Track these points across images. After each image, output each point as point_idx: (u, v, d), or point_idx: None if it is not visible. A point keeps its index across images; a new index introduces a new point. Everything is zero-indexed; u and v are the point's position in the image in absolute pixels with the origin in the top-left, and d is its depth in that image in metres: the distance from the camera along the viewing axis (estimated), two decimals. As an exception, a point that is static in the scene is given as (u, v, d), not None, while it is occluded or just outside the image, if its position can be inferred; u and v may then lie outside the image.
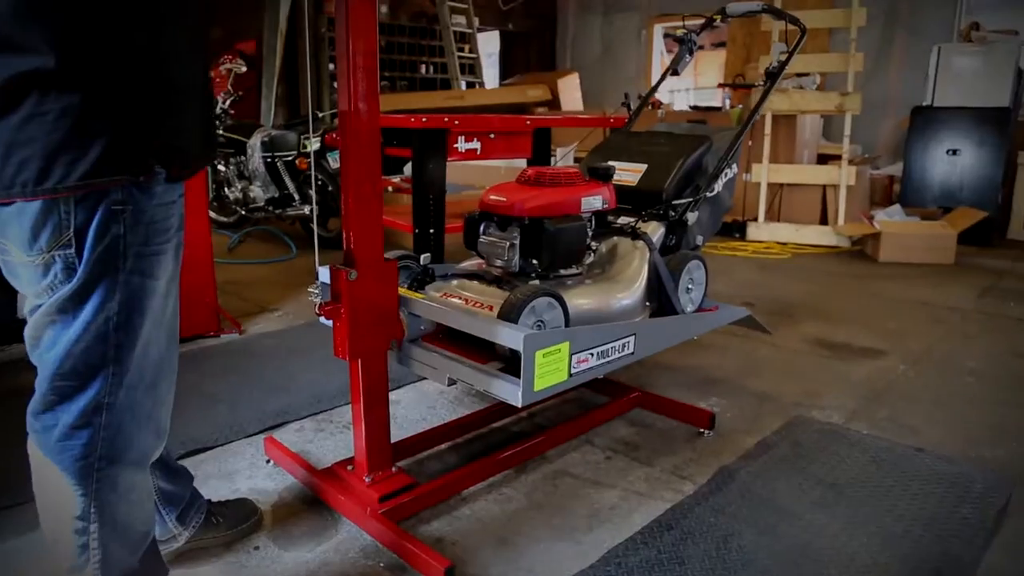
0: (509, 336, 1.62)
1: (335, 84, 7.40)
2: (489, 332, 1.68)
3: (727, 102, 6.23)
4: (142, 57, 1.03)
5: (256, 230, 5.45)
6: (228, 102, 5.63)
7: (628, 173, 2.40)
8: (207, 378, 2.59)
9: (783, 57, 2.66)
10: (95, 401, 1.10)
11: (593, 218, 2.10)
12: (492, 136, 3.19)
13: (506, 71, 10.11)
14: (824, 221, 5.64)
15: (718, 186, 2.42)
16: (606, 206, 2.12)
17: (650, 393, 2.40)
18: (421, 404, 2.46)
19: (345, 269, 1.65)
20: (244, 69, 5.85)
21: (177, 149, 1.13)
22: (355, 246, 1.65)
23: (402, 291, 1.86)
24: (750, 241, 5.59)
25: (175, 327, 1.27)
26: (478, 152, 3.16)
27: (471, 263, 2.18)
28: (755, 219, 5.70)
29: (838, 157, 5.90)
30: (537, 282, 1.93)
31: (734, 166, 2.49)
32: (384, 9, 7.94)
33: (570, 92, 8.09)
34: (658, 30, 9.20)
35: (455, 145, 3.08)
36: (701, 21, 3.01)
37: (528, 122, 3.33)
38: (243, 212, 5.30)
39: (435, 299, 1.88)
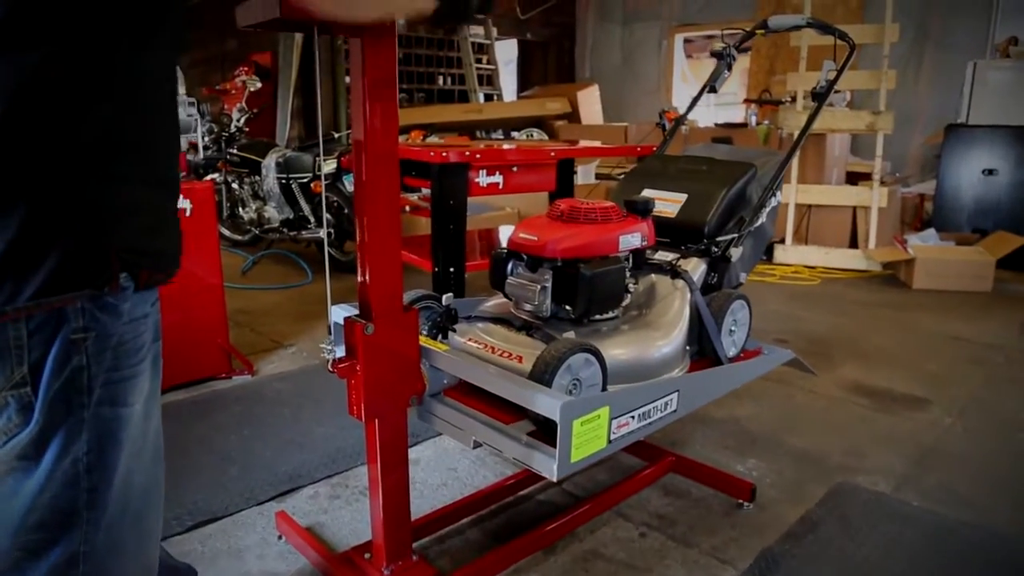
0: (544, 403, 1.48)
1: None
2: (521, 397, 1.53)
3: (753, 118, 6.06)
4: (96, 146, 0.87)
5: (270, 253, 5.34)
6: (243, 120, 5.53)
7: (666, 203, 2.22)
8: (218, 432, 2.47)
9: (831, 76, 2.50)
10: (69, 553, 0.93)
11: (631, 256, 1.95)
12: (515, 169, 3.06)
13: (524, 80, 9.97)
14: (854, 243, 5.46)
15: (762, 217, 2.27)
16: (645, 243, 1.94)
17: (685, 458, 2.25)
18: (441, 465, 2.33)
19: (361, 322, 1.51)
20: (259, 85, 5.76)
21: (147, 252, 0.97)
22: (372, 296, 1.51)
23: (424, 341, 1.72)
24: (777, 264, 5.43)
25: (160, 445, 1.10)
26: (500, 187, 3.03)
27: (496, 301, 2.03)
28: (782, 241, 5.53)
29: (867, 175, 5.72)
30: (571, 333, 1.76)
31: (778, 194, 2.34)
32: (401, 20, 7.80)
33: (590, 105, 7.94)
34: (679, 40, 9.03)
35: (476, 180, 2.96)
36: (740, 34, 2.85)
37: (552, 153, 3.19)
38: (257, 232, 5.20)
39: (460, 352, 1.73)
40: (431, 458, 2.37)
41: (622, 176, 6.29)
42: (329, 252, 4.98)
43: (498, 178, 3.00)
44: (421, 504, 2.06)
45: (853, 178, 6.09)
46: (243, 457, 2.30)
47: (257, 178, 5.07)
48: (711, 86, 2.75)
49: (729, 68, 2.73)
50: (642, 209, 1.94)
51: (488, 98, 7.99)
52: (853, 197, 5.41)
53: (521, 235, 1.83)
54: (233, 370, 3.01)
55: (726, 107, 8.75)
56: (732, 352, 2.07)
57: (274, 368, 3.13)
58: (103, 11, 0.85)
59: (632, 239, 1.89)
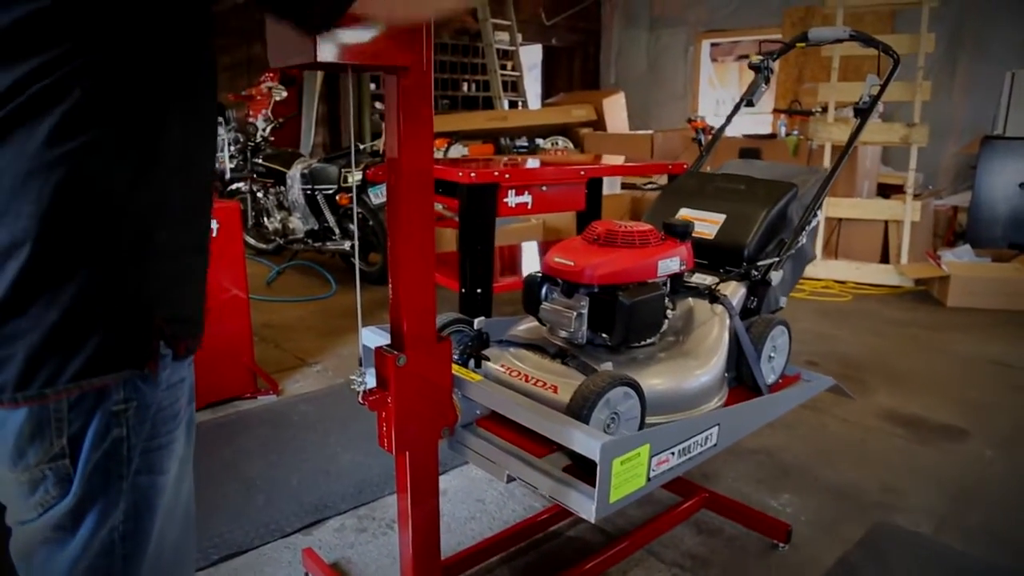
0: (583, 442, 1.43)
1: (376, 104, 7.29)
2: (560, 435, 1.48)
3: (783, 129, 5.97)
4: (139, 221, 0.85)
5: (294, 264, 5.34)
6: (268, 129, 5.54)
7: (704, 224, 2.15)
8: (243, 457, 2.45)
9: (875, 91, 2.43)
10: None
11: (669, 281, 1.90)
12: (544, 189, 3.02)
13: (548, 85, 9.92)
14: (885, 258, 5.36)
15: (802, 238, 2.21)
16: (683, 268, 1.87)
17: (719, 495, 2.19)
18: (470, 496, 2.29)
19: (393, 353, 1.47)
20: (284, 95, 5.76)
21: (185, 320, 0.95)
22: (406, 327, 1.47)
23: (456, 370, 1.67)
24: (806, 279, 5.33)
25: (191, 505, 1.08)
26: (529, 206, 2.99)
27: (529, 325, 1.98)
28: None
29: (899, 187, 5.61)
30: (609, 364, 1.71)
31: (819, 213, 2.27)
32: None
33: (616, 112, 7.87)
34: (705, 46, 8.93)
35: (505, 200, 2.92)
36: (778, 46, 2.78)
37: (582, 172, 3.15)
38: (281, 242, 5.20)
39: (493, 383, 1.68)
40: (459, 488, 2.33)
41: (649, 186, 6.22)
42: (355, 262, 4.96)
43: (527, 198, 2.96)
44: (449, 539, 2.02)
45: (884, 189, 5.98)
46: (269, 486, 2.28)
47: (282, 188, 5.07)
48: (748, 100, 2.69)
49: (767, 82, 2.66)
50: (681, 232, 1.87)
51: (513, 105, 7.94)
52: (885, 211, 5.30)
53: (556, 259, 1.77)
54: (258, 390, 2.99)
55: (754, 116, 8.64)
56: (771, 379, 2.01)
57: (299, 387, 3.11)
58: (153, 81, 0.84)
59: (671, 263, 1.82)
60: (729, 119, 2.84)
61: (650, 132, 7.63)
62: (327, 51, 1.11)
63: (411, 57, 1.27)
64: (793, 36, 2.87)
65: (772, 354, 2.00)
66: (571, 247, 1.81)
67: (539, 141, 7.57)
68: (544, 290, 1.83)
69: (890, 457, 2.61)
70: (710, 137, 5.91)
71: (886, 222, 5.36)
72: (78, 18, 0.77)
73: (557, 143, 7.07)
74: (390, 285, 1.48)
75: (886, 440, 2.75)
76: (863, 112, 2.37)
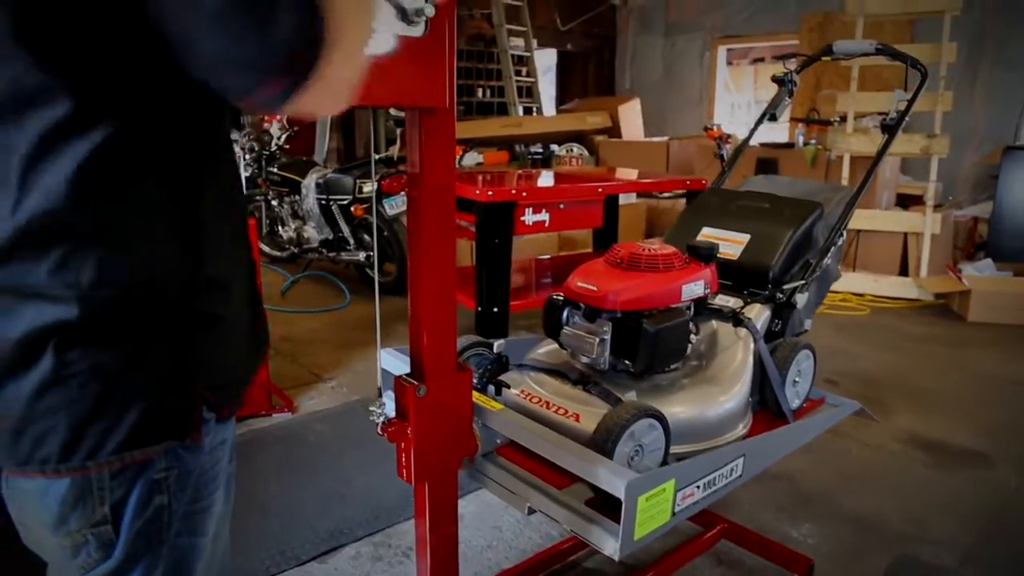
0: (608, 480, 1.40)
1: (391, 111, 7.27)
2: (583, 471, 1.45)
3: (800, 139, 5.91)
4: (179, 291, 0.83)
5: (309, 274, 5.34)
6: (283, 137, 5.54)
7: (728, 244, 2.10)
8: (259, 480, 2.44)
9: (902, 106, 2.38)
10: None
11: (693, 304, 1.86)
12: (561, 206, 2.99)
13: (563, 90, 9.89)
14: (904, 270, 5.29)
15: (828, 259, 2.17)
16: (708, 291, 1.82)
17: (739, 526, 2.16)
18: (486, 523, 2.27)
19: (413, 384, 1.45)
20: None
21: (229, 383, 0.94)
22: (426, 357, 1.44)
23: (477, 398, 1.65)
24: (823, 290, 5.27)
25: (227, 559, 1.08)
26: (546, 224, 2.97)
27: (548, 348, 1.95)
28: (829, 266, 5.37)
29: (918, 197, 5.55)
30: (633, 393, 1.67)
31: (844, 233, 2.23)
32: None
33: (631, 119, 7.83)
34: (722, 52, 8.87)
35: (522, 218, 2.89)
36: (801, 59, 2.73)
37: (600, 190, 3.12)
38: (296, 251, 5.20)
39: (514, 413, 1.65)
40: (475, 514, 2.31)
41: (665, 195, 6.16)
42: (369, 273, 4.95)
43: (544, 216, 2.94)
44: (465, 568, 1.99)
45: (903, 199, 5.91)
46: (284, 510, 2.26)
47: (297, 197, 5.07)
48: (771, 114, 2.65)
49: (790, 95, 2.62)
50: (706, 255, 1.82)
51: (527, 110, 7.92)
52: (905, 223, 5.24)
53: (579, 284, 1.73)
54: (273, 407, 2.98)
55: (770, 125, 8.56)
56: (796, 403, 1.98)
57: (314, 404, 3.10)
58: (184, 158, 0.83)
59: (695, 287, 1.78)
60: (752, 133, 2.79)
61: (665, 139, 7.59)
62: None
63: (436, 98, 1.25)
64: (817, 49, 2.83)
65: (797, 378, 1.97)
66: (593, 271, 1.77)
67: (554, 147, 7.54)
68: (565, 314, 1.80)
69: (912, 484, 2.57)
70: (728, 145, 5.88)
71: (905, 234, 5.30)
72: (107, 111, 0.75)
73: (572, 150, 7.04)
74: (410, 313, 1.46)
75: (907, 466, 2.70)
76: (890, 128, 2.32)
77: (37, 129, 0.73)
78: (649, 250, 1.78)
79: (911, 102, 2.36)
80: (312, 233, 4.98)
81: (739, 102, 11.36)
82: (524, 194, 2.83)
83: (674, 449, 1.64)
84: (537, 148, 7.63)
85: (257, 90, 0.71)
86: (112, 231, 0.77)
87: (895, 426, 3.03)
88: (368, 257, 4.73)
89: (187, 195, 0.83)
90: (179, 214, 0.82)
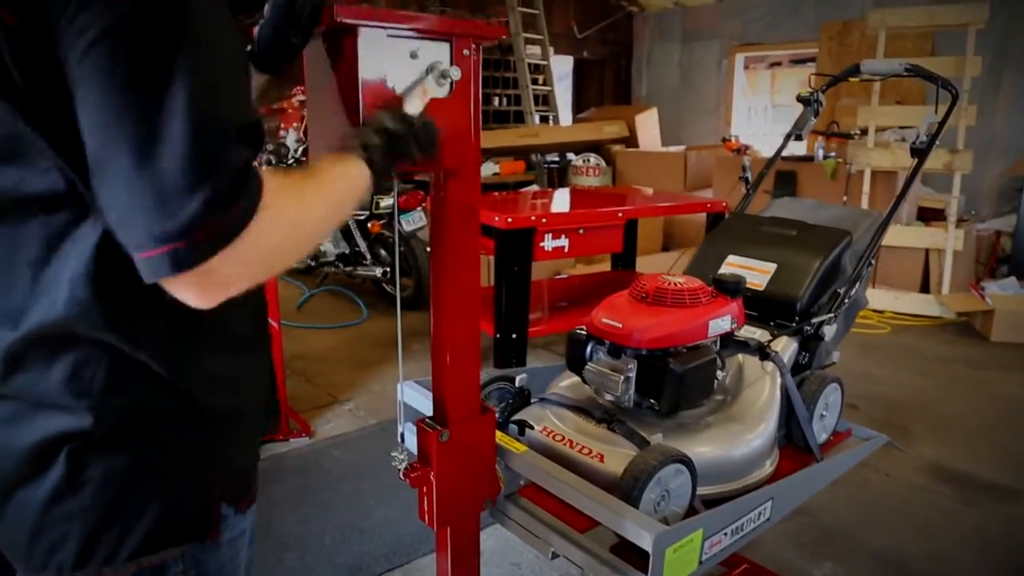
0: (634, 532, 1.38)
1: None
2: (609, 520, 1.44)
3: (820, 152, 5.84)
4: (197, 385, 0.82)
5: (325, 289, 5.35)
6: (300, 150, 5.54)
7: (754, 273, 2.07)
8: (276, 510, 2.43)
9: (932, 130, 2.34)
10: None
11: (719, 339, 1.81)
12: (581, 232, 2.97)
13: (579, 97, 9.85)
14: (926, 287, 5.22)
15: (857, 290, 2.13)
16: (735, 326, 1.80)
17: (761, 567, 2.13)
18: (504, 559, 2.25)
19: (436, 429, 1.44)
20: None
21: (246, 472, 0.93)
22: (449, 402, 1.43)
23: (500, 439, 1.63)
24: (843, 306, 5.21)
25: None
26: (566, 250, 2.94)
27: (570, 382, 1.92)
28: (849, 282, 5.31)
29: (940, 211, 5.47)
30: (659, 435, 1.64)
31: (872, 262, 2.19)
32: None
33: (648, 128, 7.78)
34: (739, 60, 8.81)
35: (541, 244, 2.87)
36: (827, 79, 2.69)
37: (620, 215, 3.09)
38: (312, 264, 5.20)
39: (538, 456, 1.63)
40: (493, 550, 2.29)
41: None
42: (386, 288, 4.95)
43: (564, 241, 2.91)
44: (483, 608, 1.98)
45: (924, 212, 5.84)
46: (300, 544, 2.26)
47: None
48: (796, 133, 2.62)
49: (816, 114, 2.59)
50: (732, 289, 1.79)
51: (543, 119, 7.89)
52: (926, 239, 5.16)
53: (603, 320, 1.71)
54: (291, 432, 2.98)
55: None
56: (823, 437, 1.95)
57: (331, 428, 3.09)
58: None
59: (722, 323, 1.75)
60: (777, 155, 2.76)
61: (682, 149, 7.54)
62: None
63: (461, 159, 1.24)
64: (836, 58, 2.79)
65: (824, 412, 1.94)
66: (618, 306, 1.74)
67: (570, 156, 7.51)
68: (589, 349, 1.78)
69: (936, 519, 2.52)
70: (745, 157, 5.82)
71: (927, 250, 5.23)
72: None
73: (589, 160, 7.00)
74: (433, 358, 1.44)
75: (931, 500, 2.66)
76: (921, 152, 2.29)
77: (45, 232, 0.72)
78: (675, 284, 1.74)
79: (941, 124, 2.32)
80: (328, 247, 4.98)
81: (756, 106, 11.27)
82: (544, 220, 2.81)
83: (701, 491, 1.61)
84: (553, 157, 7.60)
85: (145, 249, 0.66)
86: (122, 334, 0.75)
87: (918, 455, 2.99)
88: (385, 273, 4.72)
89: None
90: (191, 319, 0.79)
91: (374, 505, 2.47)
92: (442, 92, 1.16)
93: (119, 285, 0.73)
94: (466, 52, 1.18)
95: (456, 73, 1.15)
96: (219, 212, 0.65)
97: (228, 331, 0.86)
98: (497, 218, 2.79)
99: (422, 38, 1.14)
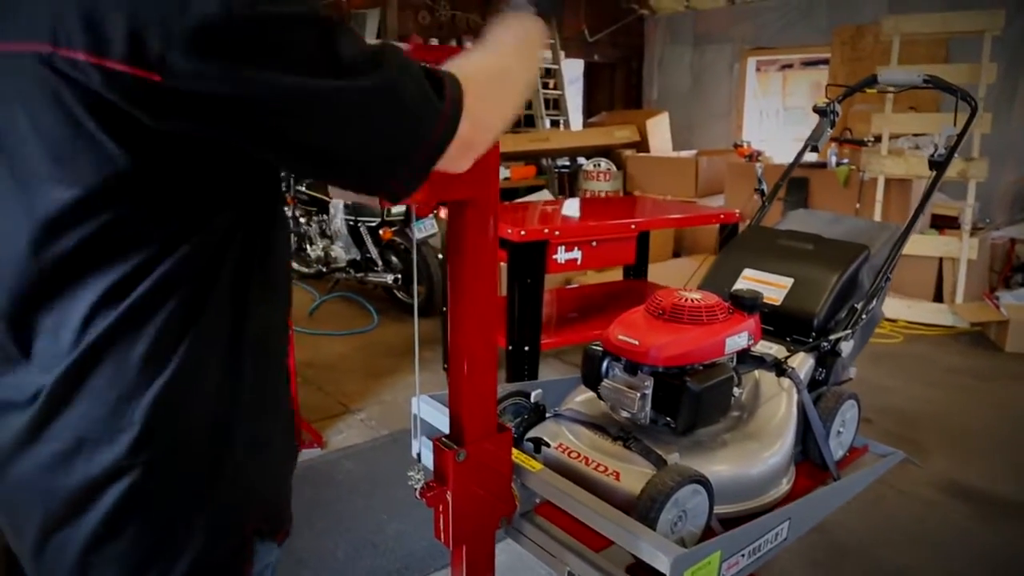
0: (651, 554, 1.37)
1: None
2: (626, 541, 1.43)
3: (833, 159, 5.81)
4: (229, 427, 0.82)
5: (337, 295, 5.36)
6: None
7: (771, 288, 2.06)
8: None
9: (951, 142, 2.32)
10: None
11: (735, 356, 1.79)
12: (594, 244, 2.96)
13: (590, 100, 9.84)
14: (939, 296, 5.19)
15: (874, 305, 2.12)
16: (751, 343, 1.78)
17: (776, 588, 2.13)
18: (518, 575, 2.24)
19: (452, 448, 1.44)
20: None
21: (280, 507, 0.93)
22: (466, 421, 1.43)
23: (516, 457, 1.63)
24: (855, 315, 5.18)
25: None
26: (579, 262, 2.94)
27: (585, 397, 1.91)
28: (861, 290, 5.28)
29: (953, 218, 5.43)
30: (676, 455, 1.62)
31: (891, 276, 2.18)
32: (469, 46, 7.76)
33: (659, 133, 7.76)
34: (751, 64, 8.77)
35: (554, 256, 2.87)
36: (843, 89, 2.68)
37: (633, 227, 3.08)
38: (324, 270, 5.22)
39: (555, 475, 1.63)
40: (506, 565, 2.26)
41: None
42: (397, 295, 4.96)
43: (577, 254, 2.91)
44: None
45: (937, 219, 5.80)
46: (315, 560, 2.26)
47: (325, 217, 5.08)
48: (813, 144, 2.60)
49: (832, 125, 2.58)
50: (749, 305, 1.78)
51: (554, 123, 7.88)
52: (940, 247, 5.13)
53: (620, 337, 1.69)
54: (303, 442, 2.98)
55: (801, 143, 8.44)
56: (839, 454, 1.94)
57: (343, 439, 3.09)
58: (238, 273, 0.81)
59: (739, 340, 1.74)
60: (793, 165, 2.74)
61: (694, 153, 7.51)
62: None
63: (480, 189, 1.23)
64: (861, 80, 2.77)
65: (841, 429, 1.93)
66: (634, 323, 1.73)
67: (581, 161, 7.50)
68: (605, 365, 1.77)
69: (951, 538, 2.50)
70: (758, 164, 5.79)
71: (940, 258, 5.20)
72: (159, 219, 0.74)
73: (600, 165, 6.99)
74: (450, 374, 1.44)
75: (947, 518, 2.64)
76: (939, 166, 2.27)
77: (106, 274, 0.73)
78: (692, 301, 1.73)
79: (960, 137, 2.30)
80: (340, 253, 4.99)
81: (767, 109, 11.23)
82: (557, 232, 2.80)
83: (718, 510, 1.61)
84: (564, 162, 7.60)
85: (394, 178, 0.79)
86: (166, 368, 0.76)
87: (933, 471, 2.96)
88: (396, 279, 4.73)
89: (239, 321, 0.82)
90: (230, 343, 0.81)
91: (387, 519, 2.47)
92: None
93: (161, 322, 0.75)
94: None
95: None
96: (439, 115, 0.79)
97: (268, 357, 0.87)
98: (510, 230, 2.78)
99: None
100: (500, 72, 0.94)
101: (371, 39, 6.21)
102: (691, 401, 1.63)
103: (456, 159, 0.84)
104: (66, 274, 0.73)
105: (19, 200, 0.72)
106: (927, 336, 4.82)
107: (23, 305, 0.75)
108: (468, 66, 0.88)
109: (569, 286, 3.99)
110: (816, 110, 2.62)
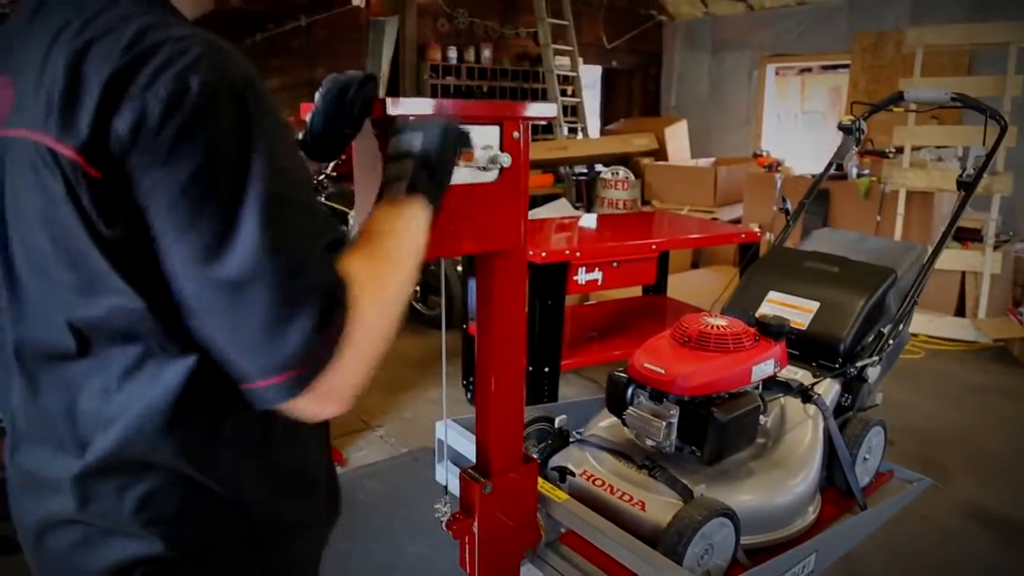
0: None
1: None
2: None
3: (854, 170, 5.76)
4: (268, 501, 0.83)
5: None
6: (331, 166, 5.57)
7: (796, 312, 2.05)
8: (311, 544, 2.46)
9: (978, 163, 2.30)
10: None
11: (761, 383, 1.79)
12: (615, 264, 2.96)
13: (607, 106, 9.82)
14: (961, 310, 5.14)
15: (901, 329, 2.10)
16: (777, 369, 1.79)
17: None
18: (538, 601, 2.25)
19: (480, 481, 1.45)
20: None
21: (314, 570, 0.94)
22: (493, 454, 1.44)
23: (542, 486, 1.64)
24: (876, 328, 5.15)
25: None
26: (599, 283, 2.94)
27: (609, 423, 1.90)
28: (882, 303, 5.24)
29: (976, 231, 5.37)
30: (703, 487, 1.62)
31: (917, 300, 2.16)
32: (487, 54, 7.79)
33: (678, 141, 7.74)
34: (770, 71, 8.72)
35: (575, 277, 2.87)
36: (867, 107, 2.66)
37: (654, 247, 3.08)
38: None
39: (580, 506, 1.62)
40: (527, 590, 2.29)
41: (714, 220, 6.05)
42: (416, 307, 4.97)
43: (597, 275, 2.91)
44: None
45: (960, 233, 5.73)
46: (337, 583, 2.28)
47: (345, 228, 5.10)
48: (838, 163, 2.60)
49: (857, 143, 2.56)
50: (776, 332, 1.78)
51: (572, 130, 7.88)
52: (963, 261, 5.07)
53: (645, 365, 1.70)
54: (324, 459, 3.00)
55: (821, 154, 8.37)
56: (865, 480, 1.94)
57: (363, 456, 3.11)
58: None
59: (765, 368, 1.74)
60: (815, 186, 2.72)
61: (712, 162, 7.49)
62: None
63: (509, 240, 1.24)
64: (886, 96, 2.75)
65: (867, 455, 1.93)
66: (660, 350, 1.74)
67: (599, 168, 7.49)
68: (630, 392, 1.77)
69: (973, 567, 2.49)
70: (778, 174, 5.76)
71: (963, 272, 5.15)
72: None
73: (618, 173, 6.98)
74: (476, 409, 1.45)
75: (969, 545, 2.61)
76: (968, 187, 2.25)
77: (121, 361, 0.73)
78: (718, 328, 1.73)
79: (989, 157, 2.28)
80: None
81: (785, 113, 11.15)
82: (578, 254, 2.80)
83: (744, 540, 1.61)
84: (582, 169, 7.58)
85: (257, 381, 0.69)
86: (197, 462, 0.76)
87: (955, 494, 2.94)
88: (415, 291, 4.74)
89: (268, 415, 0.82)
90: (264, 426, 0.81)
91: (407, 541, 2.49)
92: (491, 177, 1.17)
93: (193, 414, 0.74)
94: (516, 135, 1.19)
95: (506, 160, 1.15)
96: (321, 334, 0.67)
97: (303, 435, 0.87)
98: (531, 252, 2.78)
99: (472, 123, 1.14)
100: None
101: (390, 46, 6.16)
102: (717, 432, 1.63)
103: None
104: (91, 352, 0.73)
105: (47, 288, 0.73)
106: (949, 351, 4.77)
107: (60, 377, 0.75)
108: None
109: (587, 303, 3.98)
110: (841, 128, 2.60)
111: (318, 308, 0.67)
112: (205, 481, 0.76)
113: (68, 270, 0.69)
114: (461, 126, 0.99)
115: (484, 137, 1.15)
